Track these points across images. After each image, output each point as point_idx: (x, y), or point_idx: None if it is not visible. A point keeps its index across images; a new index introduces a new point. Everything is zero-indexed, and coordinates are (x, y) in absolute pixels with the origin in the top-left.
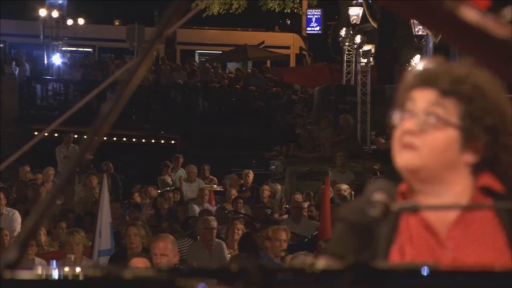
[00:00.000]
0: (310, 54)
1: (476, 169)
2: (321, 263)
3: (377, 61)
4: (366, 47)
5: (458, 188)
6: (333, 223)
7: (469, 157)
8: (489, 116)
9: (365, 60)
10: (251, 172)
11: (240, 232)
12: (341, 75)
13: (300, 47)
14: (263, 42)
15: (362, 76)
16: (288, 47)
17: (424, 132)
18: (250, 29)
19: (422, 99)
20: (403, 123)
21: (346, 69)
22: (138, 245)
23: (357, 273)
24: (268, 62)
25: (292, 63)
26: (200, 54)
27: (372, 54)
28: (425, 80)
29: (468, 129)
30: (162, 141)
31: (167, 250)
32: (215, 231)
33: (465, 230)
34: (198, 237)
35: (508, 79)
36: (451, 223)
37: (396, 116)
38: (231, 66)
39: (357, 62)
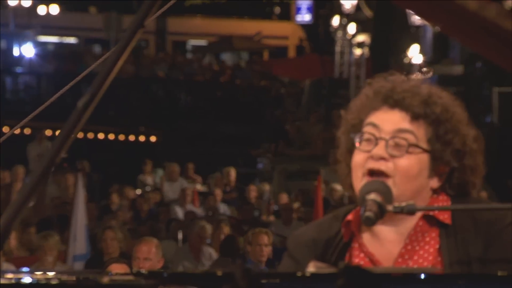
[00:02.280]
0: (310, 45)
1: (435, 193)
2: (311, 267)
3: (372, 52)
4: (360, 38)
5: (416, 216)
6: None
7: (435, 182)
8: (456, 139)
9: (360, 52)
10: (233, 169)
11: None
12: (333, 68)
13: (301, 38)
14: (259, 33)
15: (356, 68)
16: (287, 38)
17: (394, 158)
18: (245, 17)
19: (390, 121)
20: (367, 147)
21: (339, 61)
22: (116, 250)
23: (349, 278)
24: (266, 53)
25: (292, 54)
26: (193, 45)
27: (367, 45)
28: (391, 100)
29: (437, 153)
30: (142, 138)
31: (151, 254)
32: (207, 239)
33: (407, 264)
34: (179, 240)
35: (509, 68)
36: (396, 258)
37: (356, 138)
38: (227, 57)
39: (351, 53)
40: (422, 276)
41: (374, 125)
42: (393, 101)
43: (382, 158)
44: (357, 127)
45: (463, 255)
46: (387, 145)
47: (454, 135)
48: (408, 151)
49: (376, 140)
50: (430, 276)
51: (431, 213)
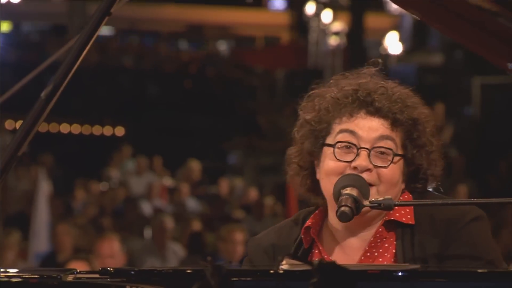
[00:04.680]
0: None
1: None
2: (285, 265)
3: (350, 41)
4: (337, 26)
5: (379, 222)
6: None
7: (403, 184)
8: (420, 134)
9: (336, 41)
10: (196, 161)
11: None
12: (308, 57)
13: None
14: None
15: (332, 58)
16: (260, 27)
17: (378, 168)
18: (217, 5)
19: (369, 129)
20: (346, 157)
21: (314, 51)
22: (69, 245)
23: (324, 276)
24: (237, 43)
25: (265, 44)
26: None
27: (343, 33)
28: (371, 108)
29: (410, 156)
30: (108, 131)
31: (113, 251)
32: (169, 232)
33: None
34: (146, 237)
35: (493, 59)
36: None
37: (333, 147)
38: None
39: (326, 42)
40: (400, 273)
41: (351, 132)
42: (373, 109)
43: (366, 169)
44: (325, 132)
45: (419, 255)
46: (369, 155)
47: (425, 137)
48: (388, 159)
49: (357, 150)
50: (407, 273)
51: (392, 217)
